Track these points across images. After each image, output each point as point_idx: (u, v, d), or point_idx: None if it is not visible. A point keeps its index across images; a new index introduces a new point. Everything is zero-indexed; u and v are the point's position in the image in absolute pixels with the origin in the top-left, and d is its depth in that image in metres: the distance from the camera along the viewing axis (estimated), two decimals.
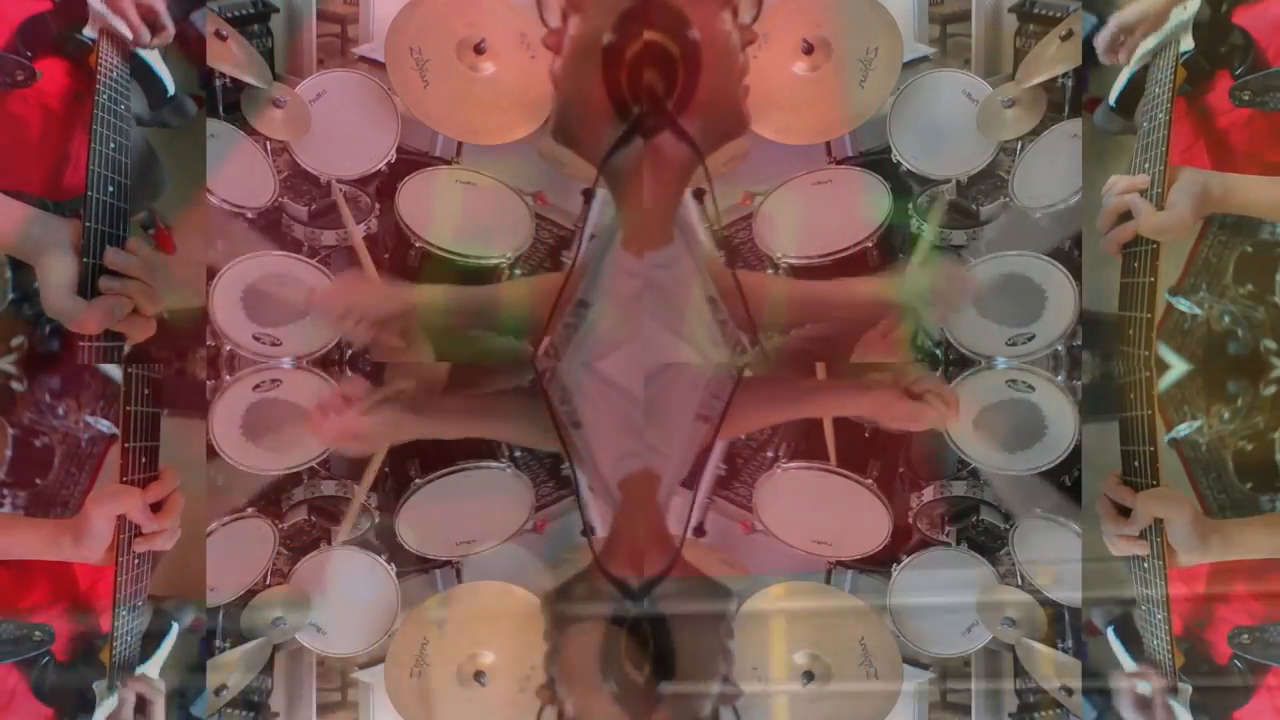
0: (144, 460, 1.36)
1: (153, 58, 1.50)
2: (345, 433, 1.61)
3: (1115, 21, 1.46)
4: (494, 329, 1.67)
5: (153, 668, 1.41)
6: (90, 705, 1.33)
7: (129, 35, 1.41)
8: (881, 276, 1.66)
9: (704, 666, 1.45)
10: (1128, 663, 1.42)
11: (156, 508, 1.36)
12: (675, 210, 1.46)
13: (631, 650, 1.44)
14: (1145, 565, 1.35)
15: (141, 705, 1.36)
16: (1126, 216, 1.38)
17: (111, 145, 1.36)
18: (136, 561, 1.34)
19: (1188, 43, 1.41)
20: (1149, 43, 1.44)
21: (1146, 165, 1.38)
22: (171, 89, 1.54)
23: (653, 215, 1.48)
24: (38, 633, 1.37)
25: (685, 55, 1.38)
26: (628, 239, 1.58)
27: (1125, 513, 1.37)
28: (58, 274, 1.29)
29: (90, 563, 1.33)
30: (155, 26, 1.43)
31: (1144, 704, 1.36)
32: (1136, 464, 1.37)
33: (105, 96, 1.38)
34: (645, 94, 1.42)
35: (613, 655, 1.44)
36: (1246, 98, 1.44)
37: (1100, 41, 1.48)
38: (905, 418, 1.63)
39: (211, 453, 1.57)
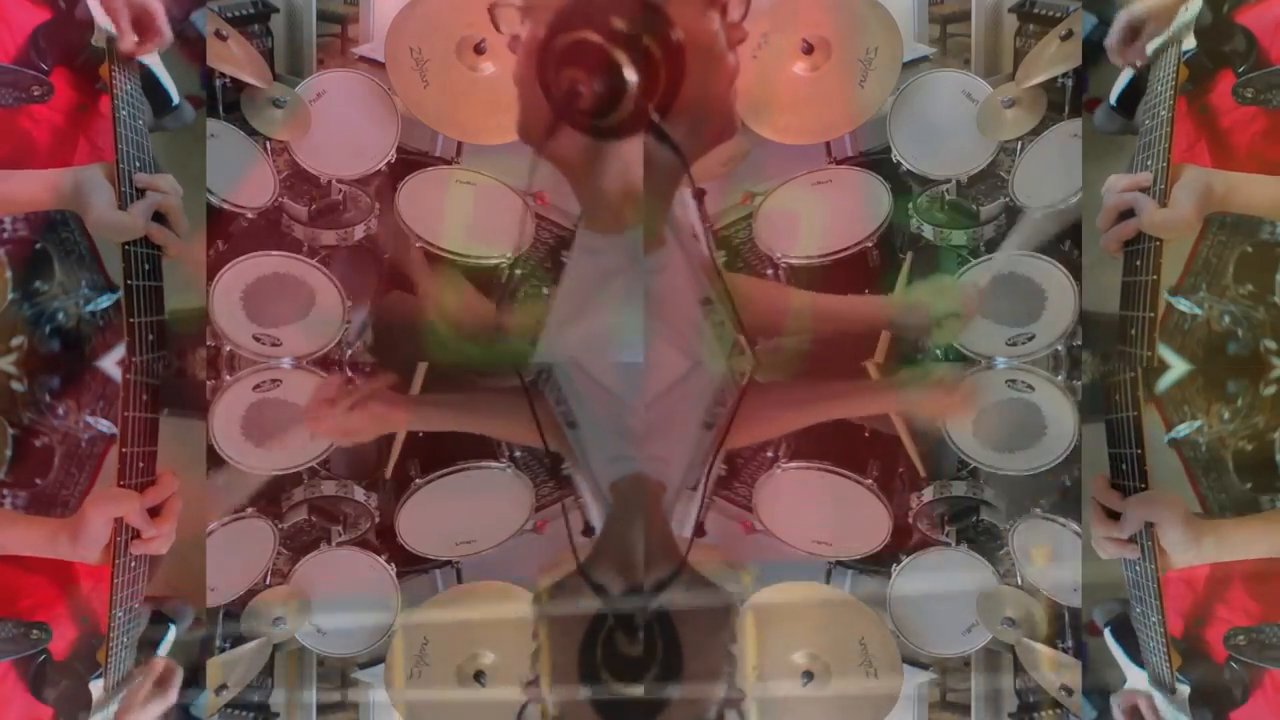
0: (141, 465, 1.36)
1: (157, 67, 1.50)
2: (337, 428, 1.61)
3: (1124, 18, 1.45)
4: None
5: None
6: (88, 704, 1.33)
7: (119, 39, 1.40)
8: (907, 295, 1.65)
9: (709, 670, 1.45)
10: (1125, 663, 1.42)
11: (154, 512, 1.36)
12: (666, 213, 1.44)
13: (611, 655, 1.43)
14: (1137, 569, 1.35)
15: (163, 680, 1.38)
16: (1127, 214, 1.37)
17: (138, 164, 1.37)
18: (133, 564, 1.34)
19: (1190, 42, 1.41)
20: (1156, 42, 1.43)
21: (1149, 163, 1.37)
22: (176, 99, 1.54)
23: (641, 217, 1.47)
24: (35, 631, 1.37)
25: (669, 56, 1.35)
26: (589, 219, 1.57)
27: (1115, 516, 1.36)
28: (101, 198, 1.34)
29: (88, 562, 1.34)
30: (149, 31, 1.42)
31: (1136, 714, 1.36)
32: (1124, 467, 1.35)
33: (125, 113, 1.38)
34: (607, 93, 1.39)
35: (591, 659, 1.44)
36: (1250, 95, 1.44)
37: (1111, 41, 1.47)
38: (940, 410, 1.63)
39: (212, 453, 1.57)
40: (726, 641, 1.49)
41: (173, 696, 1.39)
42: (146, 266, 1.36)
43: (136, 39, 1.41)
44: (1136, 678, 1.38)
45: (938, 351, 1.67)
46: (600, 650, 1.41)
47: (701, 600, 1.50)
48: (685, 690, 1.41)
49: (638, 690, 1.39)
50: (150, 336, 1.38)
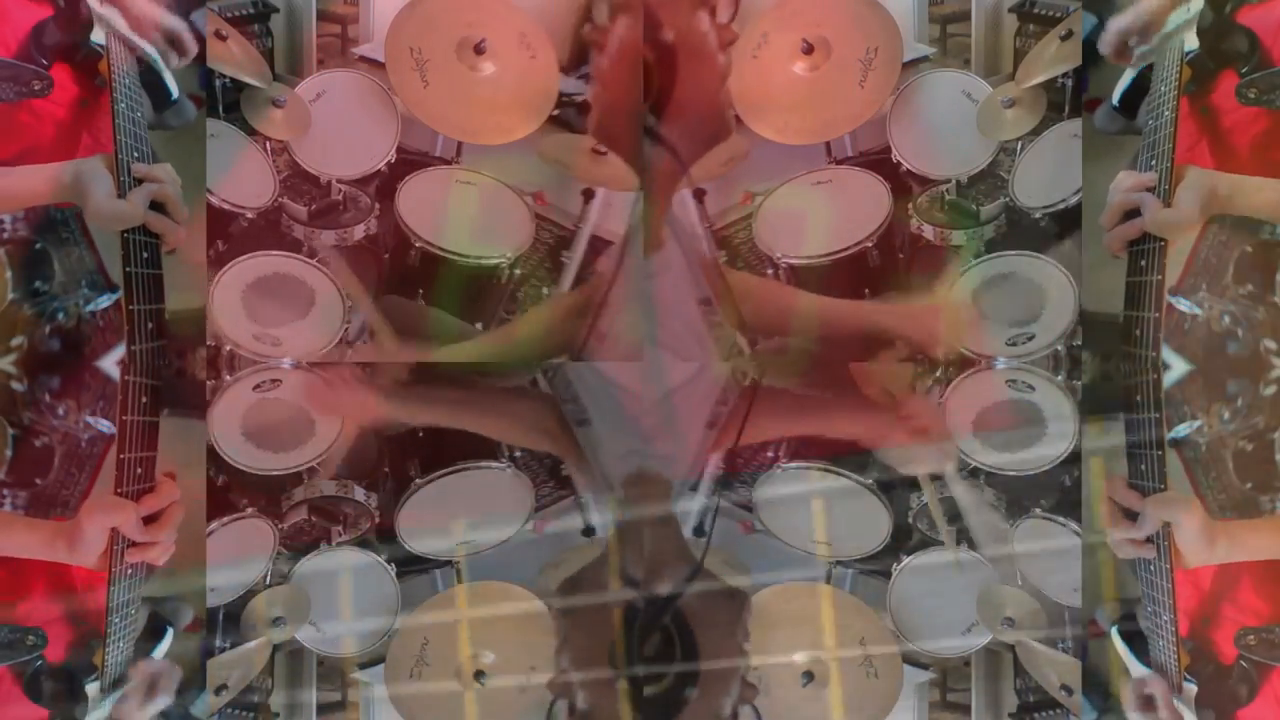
0: (139, 471, 1.34)
1: (157, 61, 1.50)
2: (315, 397, 1.61)
3: (1115, 27, 1.45)
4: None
5: None
6: (85, 706, 1.33)
7: (157, 59, 1.45)
8: (928, 303, 1.66)
9: (724, 667, 1.46)
10: (1133, 663, 1.42)
11: (153, 519, 1.35)
12: (665, 215, 1.45)
13: (641, 648, 1.44)
14: (1152, 568, 1.35)
15: (153, 685, 1.38)
16: (1132, 214, 1.37)
17: (135, 155, 1.37)
18: (130, 569, 1.33)
19: (1192, 41, 1.41)
20: (1151, 44, 1.43)
21: (1153, 163, 1.37)
22: (175, 93, 1.54)
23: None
24: (30, 637, 1.37)
25: (660, 58, 1.35)
26: (650, 242, 1.58)
27: (1132, 516, 1.36)
28: (100, 188, 1.35)
29: (85, 567, 1.33)
30: (180, 48, 1.46)
31: (1149, 704, 1.36)
32: (1143, 468, 1.36)
33: (124, 105, 1.38)
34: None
35: (622, 652, 1.44)
36: (1253, 95, 1.43)
37: (1104, 46, 1.48)
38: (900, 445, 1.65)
39: (212, 453, 1.57)
40: (741, 640, 1.50)
41: (167, 699, 1.39)
42: (145, 255, 1.37)
43: (176, 58, 1.46)
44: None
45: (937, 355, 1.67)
46: (629, 645, 1.41)
47: (716, 599, 1.51)
48: (701, 687, 1.42)
49: (656, 686, 1.39)
50: (150, 325, 1.38)
